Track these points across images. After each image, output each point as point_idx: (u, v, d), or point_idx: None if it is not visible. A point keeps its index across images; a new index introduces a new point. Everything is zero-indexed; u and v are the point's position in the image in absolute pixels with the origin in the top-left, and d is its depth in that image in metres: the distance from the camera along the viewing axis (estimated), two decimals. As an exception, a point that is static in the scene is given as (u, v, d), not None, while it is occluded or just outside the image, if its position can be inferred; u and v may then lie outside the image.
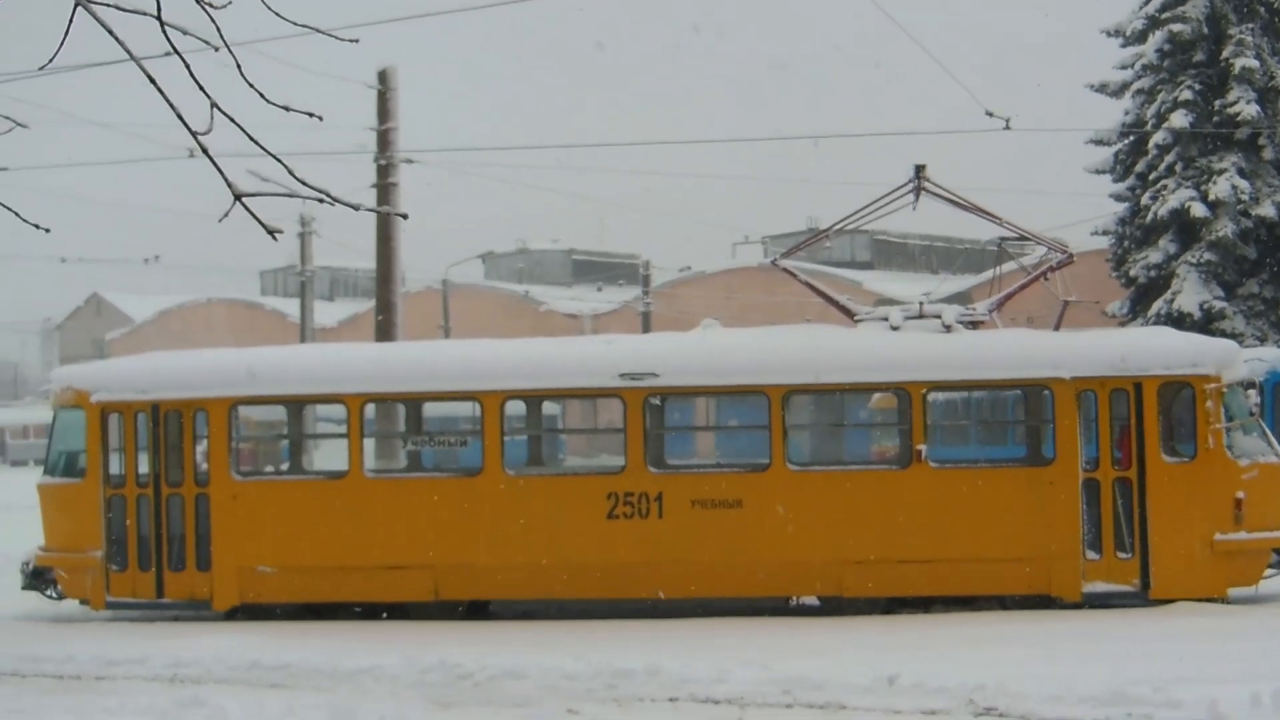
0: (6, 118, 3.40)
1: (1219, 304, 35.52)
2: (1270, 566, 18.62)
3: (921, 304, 20.40)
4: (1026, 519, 18.56)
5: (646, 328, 56.56)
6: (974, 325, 20.04)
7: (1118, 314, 39.03)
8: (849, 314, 20.94)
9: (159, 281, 73.26)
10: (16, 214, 3.42)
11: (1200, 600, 18.35)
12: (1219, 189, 35.38)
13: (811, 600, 19.13)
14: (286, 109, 3.17)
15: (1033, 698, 12.42)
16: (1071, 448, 18.59)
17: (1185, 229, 36.57)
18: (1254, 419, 19.60)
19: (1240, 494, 18.54)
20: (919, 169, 21.35)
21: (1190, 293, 35.58)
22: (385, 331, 28.14)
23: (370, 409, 20.24)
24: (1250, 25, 36.60)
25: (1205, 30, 36.93)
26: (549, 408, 20.92)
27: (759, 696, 13.07)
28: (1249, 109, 35.52)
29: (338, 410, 20.01)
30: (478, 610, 19.34)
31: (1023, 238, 21.88)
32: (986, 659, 14.50)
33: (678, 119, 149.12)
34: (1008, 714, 12.10)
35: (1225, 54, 36.40)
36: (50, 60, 3.50)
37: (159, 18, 2.96)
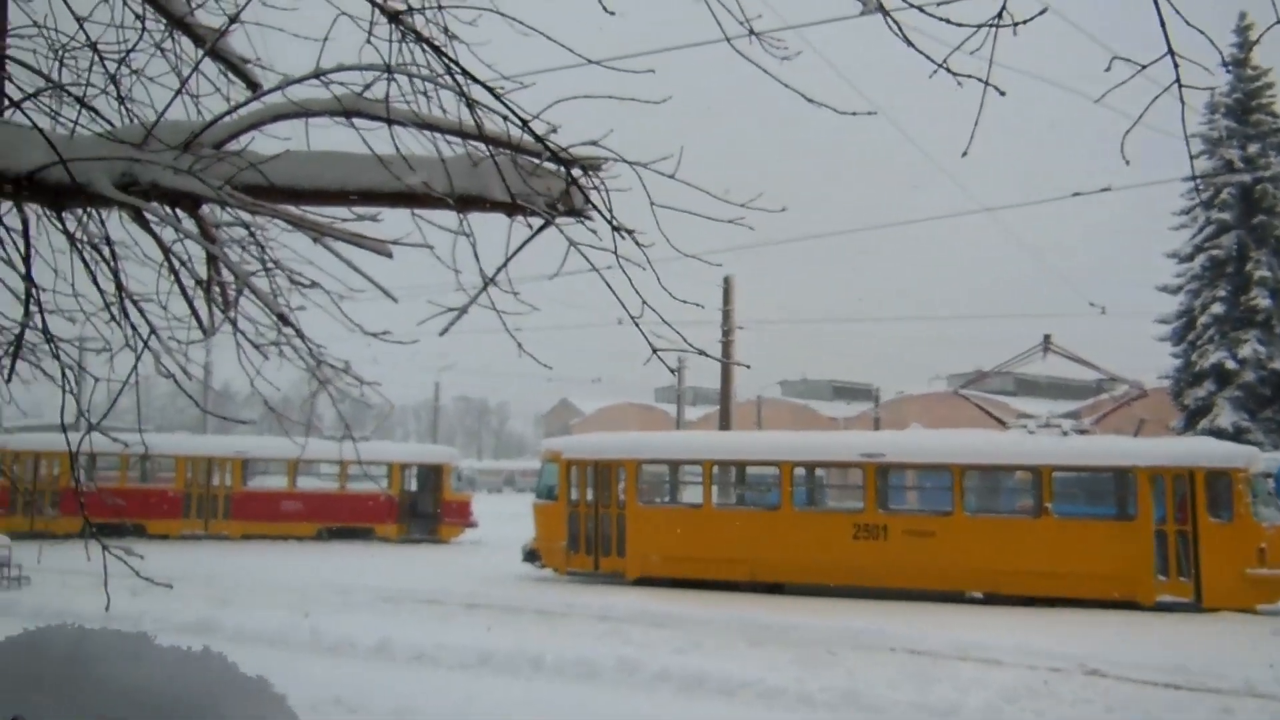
0: (526, 304, 3.51)
1: (1245, 423, 32.54)
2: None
3: (1048, 419, 19.49)
4: (1119, 550, 17.28)
5: (877, 427, 55.19)
6: (1082, 433, 18.94)
7: (1177, 430, 36.08)
8: (1001, 423, 20.10)
9: (600, 392, 75.27)
10: (534, 358, 3.54)
11: (1237, 610, 16.68)
12: (1244, 351, 32.59)
13: (976, 594, 18.12)
14: (684, 301, 3.25)
15: (1122, 665, 11.46)
16: (1147, 510, 17.27)
17: (1222, 376, 33.69)
18: (1271, 497, 17.87)
19: (1262, 545, 16.89)
20: (1047, 337, 20.56)
21: (1226, 416, 32.69)
22: (724, 425, 28.33)
23: (716, 469, 20.33)
24: (1265, 249, 33.79)
25: (1234, 253, 34.29)
26: (819, 472, 20.50)
27: (944, 651, 12.46)
28: (1265, 302, 32.74)
29: (697, 469, 20.19)
30: (775, 588, 19.03)
31: (1114, 379, 20.68)
32: (1092, 637, 13.47)
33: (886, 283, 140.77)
34: (1106, 674, 11.18)
35: (1248, 267, 33.70)
36: (553, 275, 3.64)
37: (616, 254, 3.07)
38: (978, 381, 24.11)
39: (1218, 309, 34.11)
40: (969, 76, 2.34)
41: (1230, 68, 34.20)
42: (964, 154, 2.50)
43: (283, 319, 3.49)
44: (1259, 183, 33.86)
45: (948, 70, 2.32)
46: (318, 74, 2.83)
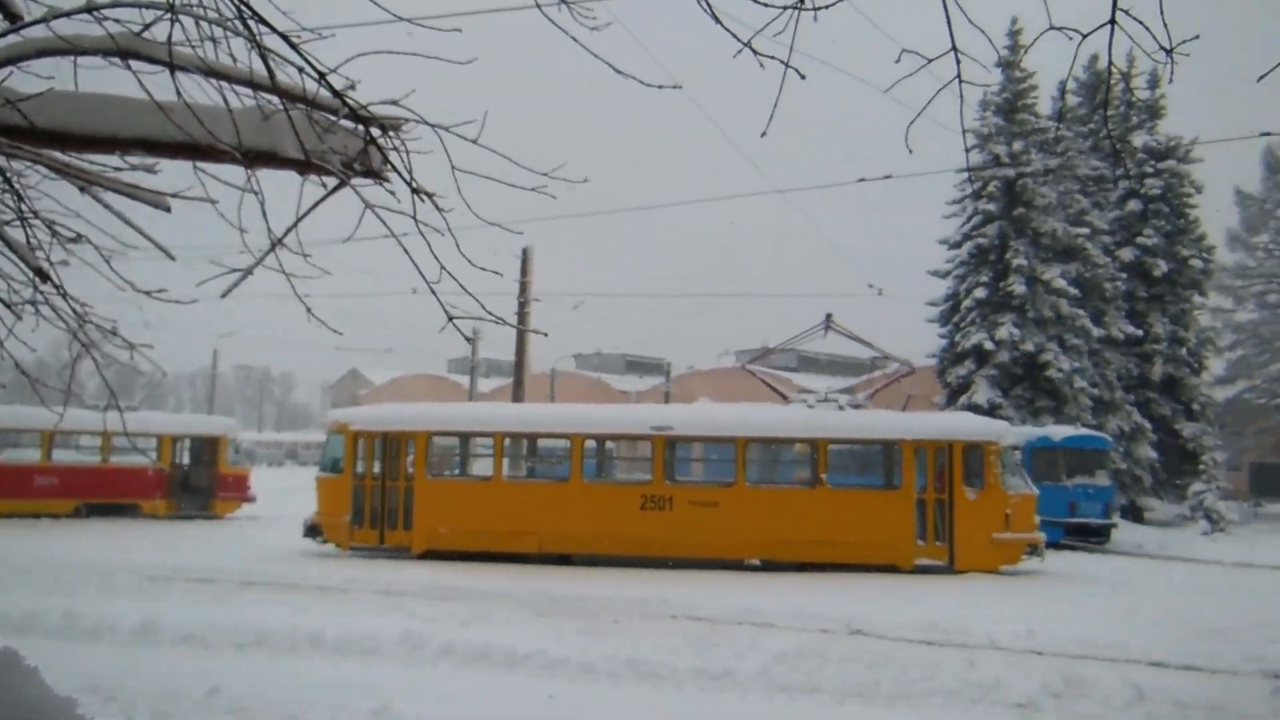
0: (316, 268, 3.39)
1: (999, 400, 35.38)
2: (1024, 554, 18.56)
3: (826, 394, 20.54)
4: (885, 518, 18.48)
5: (667, 401, 56.48)
6: (856, 407, 20.06)
7: (940, 405, 38.82)
8: (784, 398, 21.02)
9: (391, 362, 73.43)
10: (324, 323, 3.43)
11: (984, 571, 18.24)
12: (1000, 333, 35.40)
13: (755, 562, 18.96)
14: (483, 269, 3.23)
15: (883, 625, 12.29)
16: (911, 480, 18.53)
17: (980, 356, 36.51)
18: (1018, 468, 19.54)
19: (1009, 510, 18.48)
20: (828, 316, 21.56)
21: (982, 393, 35.40)
22: (518, 398, 28.28)
23: (507, 441, 20.28)
24: (1023, 240, 36.80)
25: (997, 242, 37.18)
26: (609, 444, 20.81)
27: (722, 616, 12.96)
28: (1020, 289, 35.67)
29: (488, 441, 20.07)
30: (564, 560, 19.24)
31: (886, 356, 21.99)
32: (858, 600, 14.36)
33: (691, 262, 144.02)
34: (869, 633, 11.96)
35: (1008, 256, 36.62)
36: (347, 238, 3.53)
37: (414, 218, 3.02)
38: (763, 357, 25.14)
39: (980, 293, 36.85)
40: (771, 58, 2.44)
41: (1004, 68, 36.91)
42: (763, 134, 2.61)
43: (41, 274, 3.22)
44: (1021, 178, 36.83)
45: (752, 50, 2.41)
46: (90, 9, 2.61)
